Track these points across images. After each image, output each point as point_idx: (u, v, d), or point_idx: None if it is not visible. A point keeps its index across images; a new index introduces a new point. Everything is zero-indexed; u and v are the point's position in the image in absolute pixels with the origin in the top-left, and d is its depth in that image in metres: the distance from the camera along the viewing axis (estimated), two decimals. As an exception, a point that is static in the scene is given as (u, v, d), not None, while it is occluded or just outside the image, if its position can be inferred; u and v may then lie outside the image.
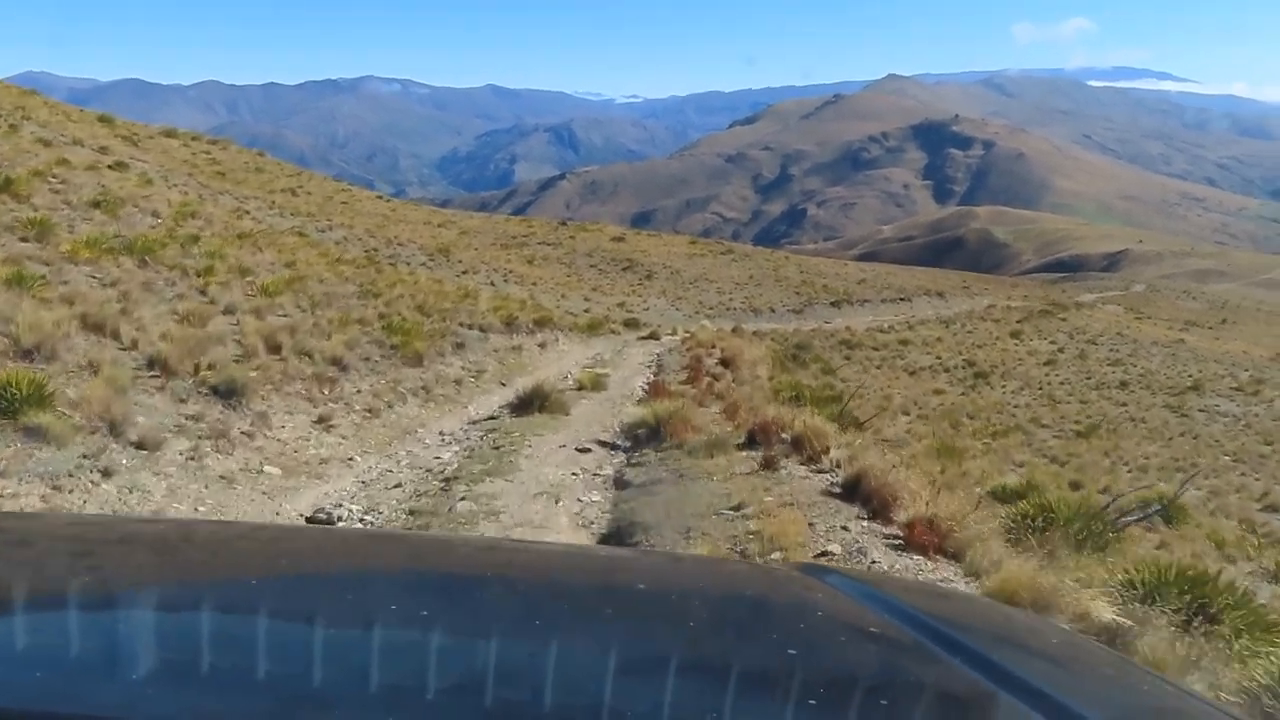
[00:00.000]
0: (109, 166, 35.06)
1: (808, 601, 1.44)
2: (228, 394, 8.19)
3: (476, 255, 44.68)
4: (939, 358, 38.20)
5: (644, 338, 31.65)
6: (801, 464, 7.96)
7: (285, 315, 13.47)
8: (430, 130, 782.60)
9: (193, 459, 7.12)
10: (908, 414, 21.79)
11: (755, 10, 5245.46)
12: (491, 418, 11.86)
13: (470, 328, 18.80)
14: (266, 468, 7.69)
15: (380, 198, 75.03)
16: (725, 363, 20.53)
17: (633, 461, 8.59)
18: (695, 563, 2.44)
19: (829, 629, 1.34)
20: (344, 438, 8.98)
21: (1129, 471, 18.33)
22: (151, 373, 8.32)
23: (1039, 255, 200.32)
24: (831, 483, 7.22)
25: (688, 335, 30.02)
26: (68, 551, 1.42)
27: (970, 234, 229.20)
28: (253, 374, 9.16)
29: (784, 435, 8.91)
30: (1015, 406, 28.64)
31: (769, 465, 7.59)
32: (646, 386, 16.85)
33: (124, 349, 8.76)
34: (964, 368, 36.19)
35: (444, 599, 1.34)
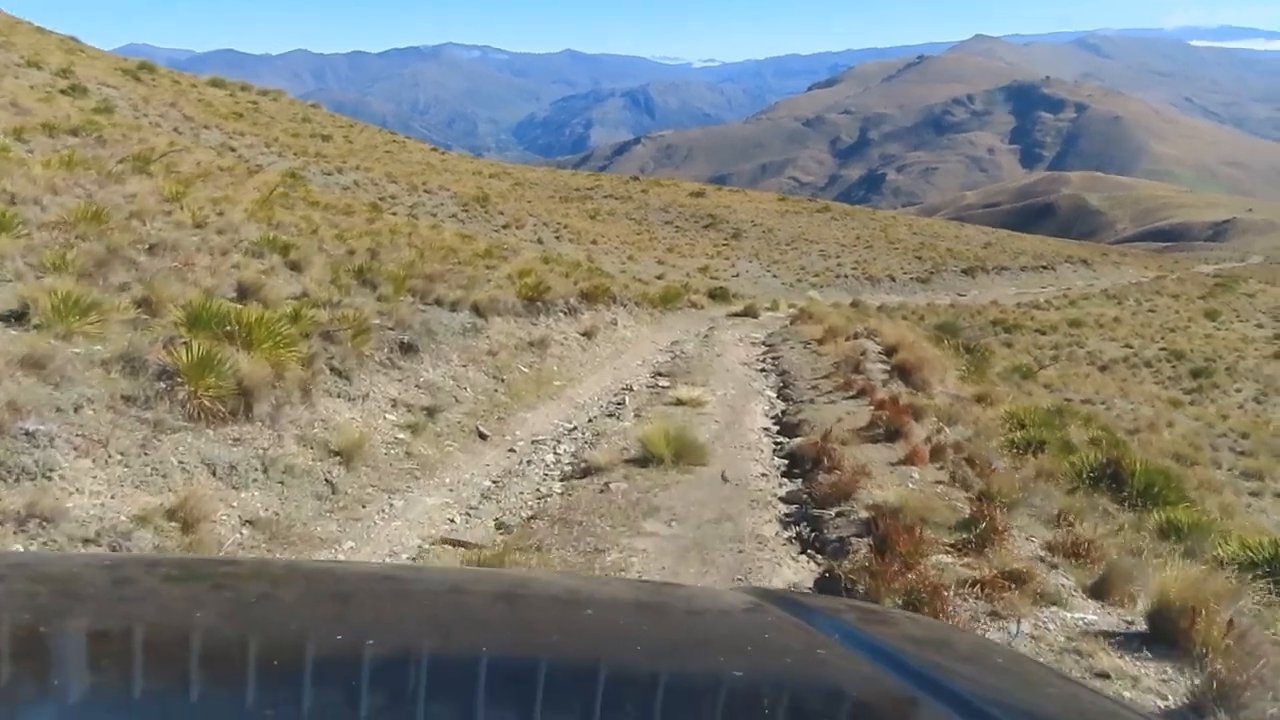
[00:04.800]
0: (61, 91, 27.97)
1: (751, 624, 1.45)
2: None
3: (525, 208, 36.40)
4: (1129, 346, 28.64)
5: (736, 314, 23.05)
6: None
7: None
8: (508, 96, 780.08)
9: None
10: (1217, 465, 12.82)
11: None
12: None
13: (453, 308, 10.45)
14: None
15: (434, 149, 67.35)
16: (900, 371, 11.81)
17: None
18: (643, 589, 2.24)
19: (771, 651, 1.33)
20: None
21: None
22: None
23: (1136, 224, 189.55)
24: None
25: (801, 313, 21.25)
26: (56, 594, 1.34)
27: (1062, 200, 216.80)
28: None
29: None
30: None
31: None
32: (778, 438, 8.27)
33: None
34: (1169, 361, 26.69)
35: (376, 629, 1.29)
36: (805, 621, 1.41)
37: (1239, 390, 24.36)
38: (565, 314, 13.91)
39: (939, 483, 6.37)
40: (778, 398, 10.97)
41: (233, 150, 27.84)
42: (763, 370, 13.22)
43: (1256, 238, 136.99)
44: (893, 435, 7.64)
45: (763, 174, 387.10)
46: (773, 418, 9.66)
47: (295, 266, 9.81)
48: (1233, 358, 28.09)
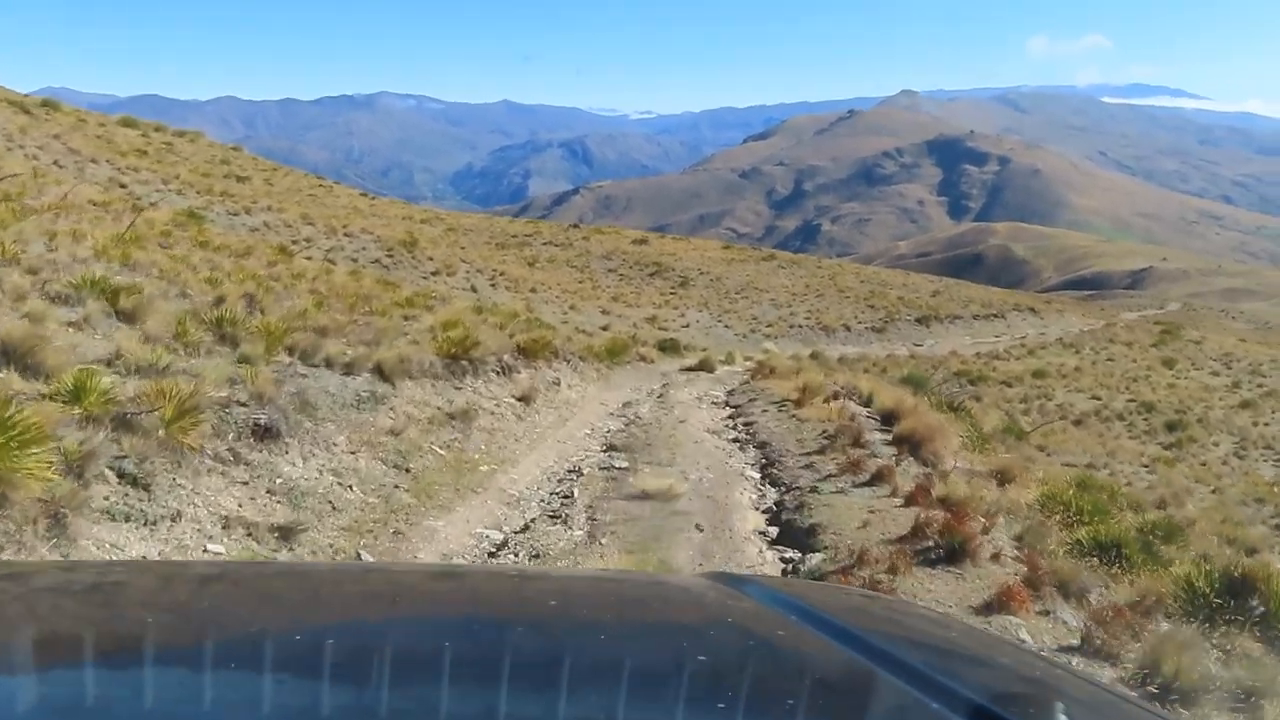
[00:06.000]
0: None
1: (714, 608, 1.44)
2: None
3: (458, 254, 33.97)
4: (1097, 397, 27.26)
5: (690, 368, 20.94)
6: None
7: None
8: (445, 145, 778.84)
9: None
10: (1270, 547, 10.89)
11: (769, 26, 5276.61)
12: None
13: (348, 371, 8.03)
14: None
15: (363, 194, 64.72)
16: (906, 443, 9.68)
17: None
18: (606, 578, 2.28)
19: (734, 634, 1.34)
20: None
21: None
22: None
23: (1060, 272, 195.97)
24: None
25: (761, 366, 19.16)
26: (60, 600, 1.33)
27: (989, 250, 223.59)
28: None
29: None
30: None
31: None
32: (784, 550, 6.01)
33: None
34: (1141, 412, 25.33)
35: (343, 621, 1.28)
36: (767, 604, 1.41)
37: (1216, 444, 22.97)
38: (498, 374, 11.54)
39: (1068, 650, 4.15)
40: (764, 480, 8.72)
41: (122, 186, 25.00)
42: (736, 441, 10.98)
43: (1171, 285, 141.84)
44: (953, 553, 5.41)
45: (701, 224, 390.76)
46: (766, 513, 7.38)
47: (127, 316, 7.30)
48: (1200, 408, 26.87)
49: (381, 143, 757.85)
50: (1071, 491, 8.51)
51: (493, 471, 7.92)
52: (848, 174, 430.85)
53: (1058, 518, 7.91)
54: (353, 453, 6.63)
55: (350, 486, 6.09)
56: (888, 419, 11.18)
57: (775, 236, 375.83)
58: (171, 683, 1.03)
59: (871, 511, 6.63)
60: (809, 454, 9.44)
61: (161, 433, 4.92)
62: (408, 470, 6.89)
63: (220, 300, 9.58)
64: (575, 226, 62.00)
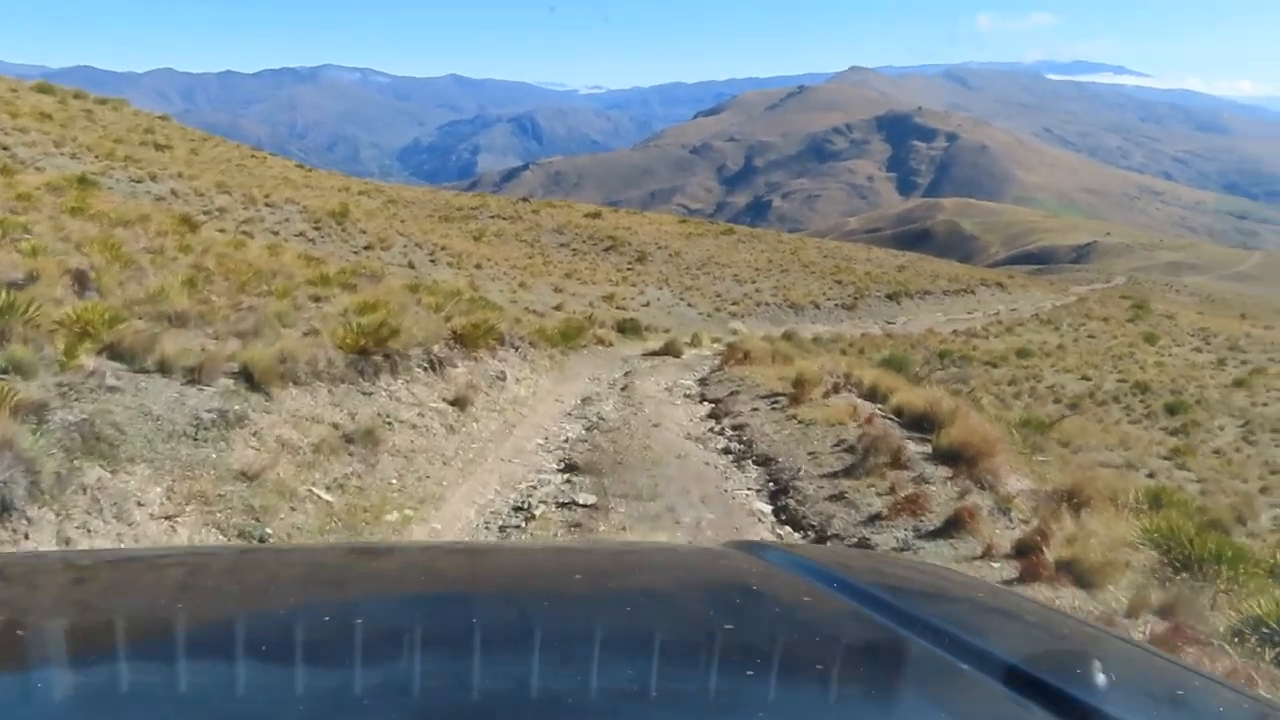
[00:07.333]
0: None
1: (739, 576, 1.44)
2: None
3: (396, 227, 31.13)
4: (1086, 377, 25.64)
5: (654, 353, 18.80)
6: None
7: None
8: (391, 120, 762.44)
9: None
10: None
11: (718, 1, 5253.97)
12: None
13: (193, 377, 5.54)
14: None
15: (298, 166, 61.09)
16: (954, 458, 7.48)
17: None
18: (626, 549, 2.27)
19: (761, 601, 1.33)
20: None
21: None
22: None
23: (1007, 247, 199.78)
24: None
25: (732, 350, 16.87)
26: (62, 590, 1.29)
27: (938, 226, 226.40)
28: None
29: None
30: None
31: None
32: None
33: None
34: (1136, 393, 23.72)
35: (369, 601, 1.28)
36: (790, 570, 1.40)
37: (1222, 428, 21.38)
38: (426, 369, 9.09)
39: None
40: (781, 519, 6.44)
41: (4, 149, 21.82)
42: (729, 453, 8.68)
43: (1116, 259, 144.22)
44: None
45: (652, 200, 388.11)
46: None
47: None
48: (1194, 388, 25.37)
49: (326, 117, 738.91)
50: (1190, 527, 6.36)
51: (404, 521, 5.51)
52: (798, 150, 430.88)
53: (1187, 569, 5.78)
54: (169, 517, 4.18)
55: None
56: (916, 422, 8.97)
57: (726, 212, 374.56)
58: (196, 670, 1.00)
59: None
60: (833, 476, 7.18)
61: None
62: (262, 540, 4.45)
63: (32, 278, 6.98)
64: (525, 200, 59.13)
